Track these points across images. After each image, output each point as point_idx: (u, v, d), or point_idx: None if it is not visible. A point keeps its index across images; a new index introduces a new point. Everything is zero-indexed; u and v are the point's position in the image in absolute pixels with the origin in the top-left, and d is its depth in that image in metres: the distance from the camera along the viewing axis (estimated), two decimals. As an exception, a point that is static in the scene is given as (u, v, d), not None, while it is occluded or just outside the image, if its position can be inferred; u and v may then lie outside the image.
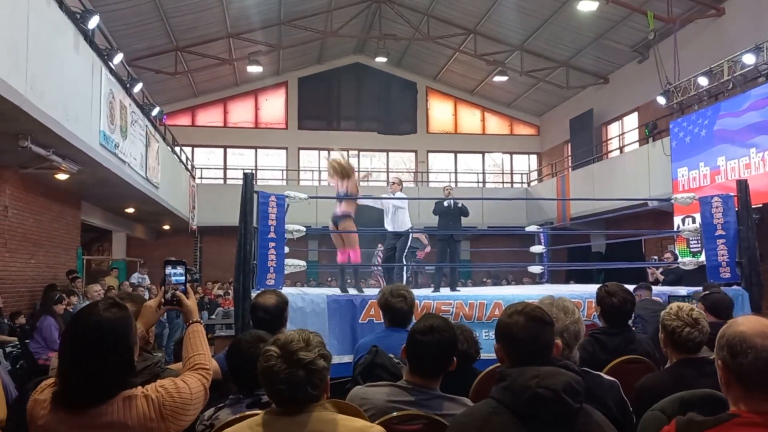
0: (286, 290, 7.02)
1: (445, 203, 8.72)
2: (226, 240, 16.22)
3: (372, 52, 20.84)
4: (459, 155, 23.42)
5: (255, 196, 6.31)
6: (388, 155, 23.01)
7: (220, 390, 2.89)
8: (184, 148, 17.81)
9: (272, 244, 6.34)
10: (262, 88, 21.99)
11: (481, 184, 22.78)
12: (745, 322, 1.69)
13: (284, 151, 22.24)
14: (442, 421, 2.04)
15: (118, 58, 10.30)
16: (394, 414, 2.20)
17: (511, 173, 23.68)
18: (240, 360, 2.33)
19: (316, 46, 20.53)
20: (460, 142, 23.17)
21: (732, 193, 7.57)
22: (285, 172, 22.01)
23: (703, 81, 11.84)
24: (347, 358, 4.90)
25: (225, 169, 21.95)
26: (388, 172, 22.82)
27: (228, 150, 22.01)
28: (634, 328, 3.87)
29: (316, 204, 17.27)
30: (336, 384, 2.77)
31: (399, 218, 8.34)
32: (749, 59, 10.54)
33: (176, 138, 16.72)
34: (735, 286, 7.03)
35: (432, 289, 8.66)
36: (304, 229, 6.80)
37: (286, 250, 6.71)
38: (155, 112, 13.38)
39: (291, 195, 6.72)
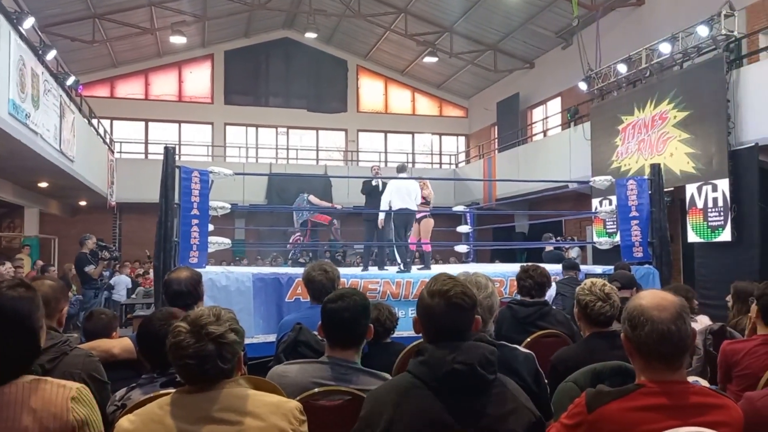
0: (210, 269, 6.89)
1: (373, 182, 8.72)
2: (147, 217, 15.60)
3: (302, 28, 20.48)
4: (389, 135, 23.48)
5: (177, 171, 6.11)
6: (317, 133, 22.79)
7: (135, 369, 2.80)
8: (102, 120, 17.01)
9: (195, 221, 6.16)
10: (186, 60, 21.26)
11: (410, 165, 22.97)
12: (646, 296, 1.78)
13: (210, 126, 21.64)
14: (362, 396, 2.04)
15: (29, 22, 9.67)
16: (316, 390, 2.19)
17: (440, 154, 23.97)
18: (152, 338, 2.25)
19: (243, 18, 19.97)
20: (390, 122, 23.24)
21: (646, 177, 7.95)
22: (211, 148, 21.44)
23: (622, 68, 12.29)
24: (273, 338, 4.84)
25: (146, 143, 21.12)
26: (317, 150, 22.63)
27: (150, 124, 21.18)
28: (554, 306, 4.14)
29: (243, 181, 16.94)
30: (261, 363, 2.74)
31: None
32: (665, 48, 11.00)
33: (94, 110, 15.95)
34: (647, 265, 7.41)
35: (361, 268, 8.68)
36: (229, 206, 6.64)
37: (211, 227, 6.55)
38: (70, 81, 12.69)
39: (215, 171, 6.54)
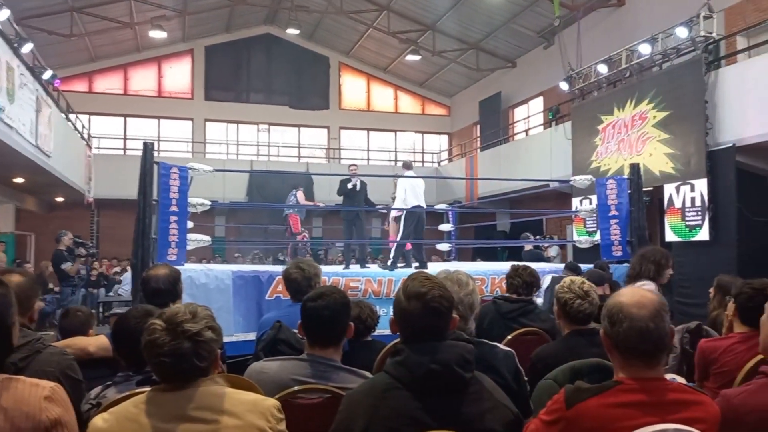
0: (189, 266, 6.82)
1: (350, 184, 8.67)
2: (126, 214, 15.43)
3: (283, 24, 20.37)
4: (371, 133, 23.45)
5: (156, 167, 6.04)
6: (299, 130, 22.69)
7: (112, 367, 2.75)
8: (80, 115, 16.76)
9: (174, 218, 6.11)
10: (166, 55, 21.03)
11: (393, 163, 22.96)
12: (625, 294, 1.79)
13: (190, 122, 21.45)
14: (341, 394, 2.03)
15: (5, 14, 9.51)
16: (295, 388, 2.17)
17: (423, 153, 23.99)
18: (127, 335, 2.21)
19: (224, 13, 19.82)
20: (372, 120, 23.21)
21: (625, 176, 8.02)
22: (191, 144, 21.24)
23: (602, 68, 12.39)
24: (253, 336, 4.80)
25: (125, 139, 20.88)
26: (299, 147, 22.54)
27: (128, 119, 20.93)
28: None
29: (223, 178, 16.82)
30: (240, 362, 2.71)
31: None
32: (645, 49, 11.10)
33: (71, 105, 15.69)
34: (626, 264, 7.47)
35: (343, 266, 8.67)
36: (209, 203, 6.58)
37: (190, 224, 6.50)
38: (47, 75, 12.47)
39: (195, 167, 6.48)
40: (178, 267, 4.19)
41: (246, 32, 21.61)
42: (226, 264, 12.45)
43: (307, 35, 21.49)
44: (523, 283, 3.92)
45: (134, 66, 20.89)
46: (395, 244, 8.39)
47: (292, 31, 19.41)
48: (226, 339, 5.13)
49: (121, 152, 20.41)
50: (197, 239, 6.43)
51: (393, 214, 8.81)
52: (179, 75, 21.46)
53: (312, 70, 22.32)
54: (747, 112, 9.21)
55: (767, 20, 10.29)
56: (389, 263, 8.01)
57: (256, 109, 21.75)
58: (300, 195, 10.94)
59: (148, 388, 1.79)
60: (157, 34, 17.80)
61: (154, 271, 3.21)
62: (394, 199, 8.90)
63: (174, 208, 6.10)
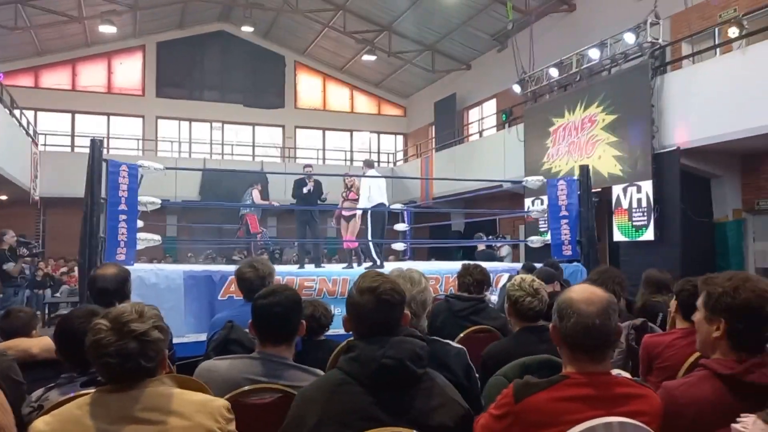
0: (139, 266, 6.67)
1: (305, 189, 8.61)
2: (73, 212, 14.97)
3: (238, 21, 20.12)
4: (327, 132, 23.37)
5: (104, 164, 5.89)
6: (254, 129, 22.44)
7: (56, 369, 2.67)
8: (25, 111, 16.18)
9: (123, 217, 5.97)
10: (116, 50, 20.53)
11: (348, 162, 22.92)
12: (576, 290, 1.84)
13: (141, 119, 20.96)
14: (293, 393, 2.01)
15: (-57, 4, 9.10)
16: (246, 388, 2.14)
17: (378, 153, 24.03)
18: (71, 336, 2.14)
19: (177, 9, 19.44)
20: (328, 120, 23.13)
21: (575, 178, 8.21)
22: (141, 141, 20.76)
23: (554, 72, 12.65)
24: (204, 337, 4.73)
25: (73, 136, 20.26)
26: (254, 146, 22.28)
27: (76, 115, 20.33)
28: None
29: (175, 176, 16.50)
30: (191, 363, 2.66)
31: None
32: (595, 54, 11.39)
33: (16, 100, 15.14)
34: (575, 263, 7.65)
35: (298, 266, 8.61)
36: (159, 201, 6.45)
37: (140, 223, 6.36)
38: (-11, 69, 12.01)
39: (145, 165, 6.35)
40: (127, 267, 4.09)
41: (199, 29, 21.25)
42: (177, 264, 12.21)
43: (262, 33, 21.27)
44: (474, 281, 3.99)
45: (83, 61, 20.30)
46: (366, 242, 8.40)
47: (247, 29, 19.19)
48: (177, 340, 5.04)
49: (69, 149, 19.78)
50: (147, 239, 6.29)
51: (347, 213, 8.77)
52: (130, 71, 20.95)
53: (267, 68, 22.10)
54: (690, 117, 9.55)
55: (711, 28, 10.69)
56: (377, 262, 8.02)
57: (209, 106, 21.41)
58: (256, 193, 10.80)
59: (92, 390, 1.74)
60: (107, 29, 17.34)
61: (101, 270, 3.13)
62: (344, 197, 8.85)
63: (123, 207, 5.96)
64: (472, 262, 4.32)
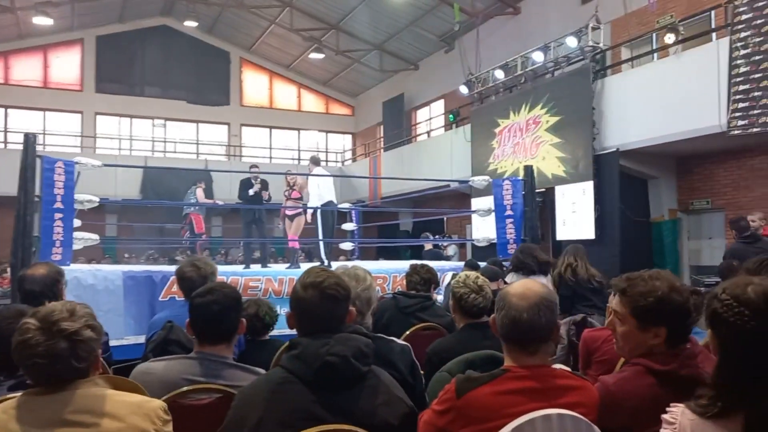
0: (76, 266, 6.44)
1: (251, 191, 8.49)
2: (5, 211, 14.33)
3: (181, 16, 19.67)
4: (274, 131, 23.11)
5: (38, 161, 5.65)
6: (198, 126, 21.98)
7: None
8: (-48, 105, 15.40)
9: (58, 216, 5.74)
10: (53, 43, 19.74)
11: (296, 161, 22.73)
12: (514, 285, 1.89)
13: (79, 115, 20.23)
14: (233, 393, 1.96)
15: None
16: (184, 389, 2.08)
17: (326, 152, 23.92)
18: (-3, 338, 2.03)
19: (117, 2, 18.88)
20: (275, 118, 22.88)
21: (520, 178, 8.37)
22: (80, 138, 20.04)
23: (499, 74, 12.85)
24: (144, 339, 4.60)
25: (5, 131, 19.39)
26: (197, 144, 21.83)
27: (9, 110, 19.48)
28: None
29: (115, 174, 15.99)
30: (131, 366, 2.57)
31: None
32: (538, 57, 11.64)
33: (-58, 93, 14.40)
34: (520, 261, 7.78)
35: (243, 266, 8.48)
36: (97, 199, 6.24)
37: (77, 223, 6.16)
38: None
39: (82, 161, 6.13)
40: (63, 267, 3.94)
41: (141, 23, 20.67)
42: (117, 265, 11.85)
43: (206, 28, 20.87)
44: (421, 279, 4.04)
45: (16, 54, 19.45)
46: (315, 242, 8.35)
47: (191, 24, 18.78)
48: (116, 342, 4.89)
49: (2, 146, 18.94)
50: (85, 238, 6.08)
51: (290, 212, 8.67)
52: (68, 65, 20.19)
53: (211, 64, 21.70)
54: (629, 119, 9.87)
55: (648, 33, 11.07)
56: (323, 261, 7.97)
57: (151, 103, 20.86)
58: (200, 192, 10.57)
59: (20, 393, 1.66)
60: (43, 21, 16.66)
61: (31, 270, 2.99)
62: (287, 197, 8.76)
63: (59, 205, 5.73)
64: (419, 262, 4.38)
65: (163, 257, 15.68)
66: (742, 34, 8.06)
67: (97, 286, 5.64)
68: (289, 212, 8.72)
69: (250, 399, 1.74)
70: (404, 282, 6.85)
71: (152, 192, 17.15)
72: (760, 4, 7.92)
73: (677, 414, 1.44)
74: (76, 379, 1.59)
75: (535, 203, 8.37)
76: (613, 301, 3.23)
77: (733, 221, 7.05)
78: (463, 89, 14.13)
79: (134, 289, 5.80)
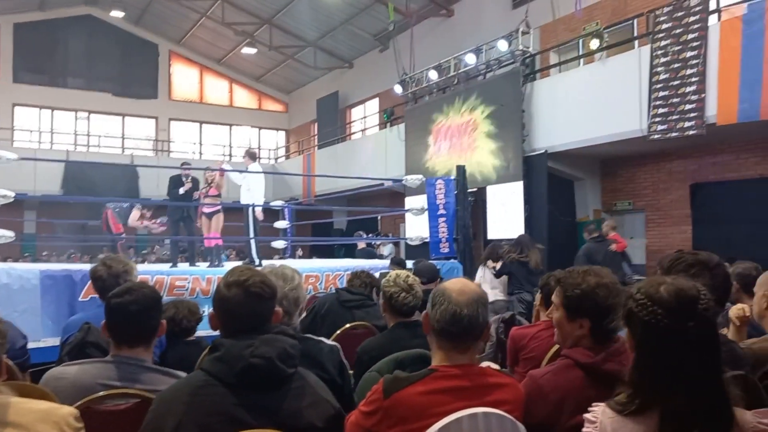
0: (-12, 265, 6.07)
1: (181, 190, 8.20)
2: None
3: (107, 5, 18.94)
4: (204, 126, 22.56)
5: (-55, 153, 5.29)
6: (123, 120, 21.19)
7: None
8: None
9: (-32, 211, 5.39)
10: (-35, 30, 18.60)
11: (227, 157, 22.25)
12: (452, 281, 1.91)
13: (-6, 106, 19.15)
14: (151, 397, 1.88)
15: None
16: (100, 394, 1.97)
17: (259, 148, 23.52)
18: None
19: (37, -11, 17.96)
20: (206, 113, 22.35)
21: (453, 177, 8.47)
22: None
23: (433, 75, 12.99)
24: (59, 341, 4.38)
25: None
26: (123, 138, 21.04)
27: None
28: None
29: (34, 168, 15.21)
30: (48, 369, 2.42)
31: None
32: (471, 59, 11.83)
33: None
34: (452, 260, 7.89)
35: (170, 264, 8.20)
36: (13, 194, 5.89)
37: (-11, 218, 5.77)
38: None
39: (-6, 154, 5.77)
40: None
41: (63, 11, 19.74)
42: (36, 263, 11.25)
43: (133, 19, 20.16)
44: (362, 283, 4.15)
45: (-77, 39, 18.22)
46: (252, 239, 8.17)
47: (117, 14, 18.10)
48: (33, 345, 4.61)
49: None
50: (-2, 235, 5.73)
51: (207, 210, 8.42)
52: (-19, 53, 19.07)
53: (139, 56, 20.98)
54: (557, 122, 10.17)
55: (575, 39, 11.43)
56: (254, 260, 7.80)
57: (74, 95, 19.96)
58: (136, 213, 10.08)
59: None
60: (-47, 5, 15.65)
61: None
62: (204, 193, 8.51)
63: (-32, 200, 5.39)
64: (361, 270, 4.49)
65: (86, 255, 15.03)
66: (662, 43, 8.45)
67: (12, 285, 5.33)
68: (206, 210, 8.44)
69: (169, 403, 1.66)
70: (337, 280, 6.85)
71: (75, 187, 16.39)
72: (680, 14, 8.31)
73: (598, 413, 1.47)
74: None
75: (467, 202, 8.50)
76: (538, 297, 3.34)
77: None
78: (398, 89, 14.20)
79: (53, 289, 5.52)
